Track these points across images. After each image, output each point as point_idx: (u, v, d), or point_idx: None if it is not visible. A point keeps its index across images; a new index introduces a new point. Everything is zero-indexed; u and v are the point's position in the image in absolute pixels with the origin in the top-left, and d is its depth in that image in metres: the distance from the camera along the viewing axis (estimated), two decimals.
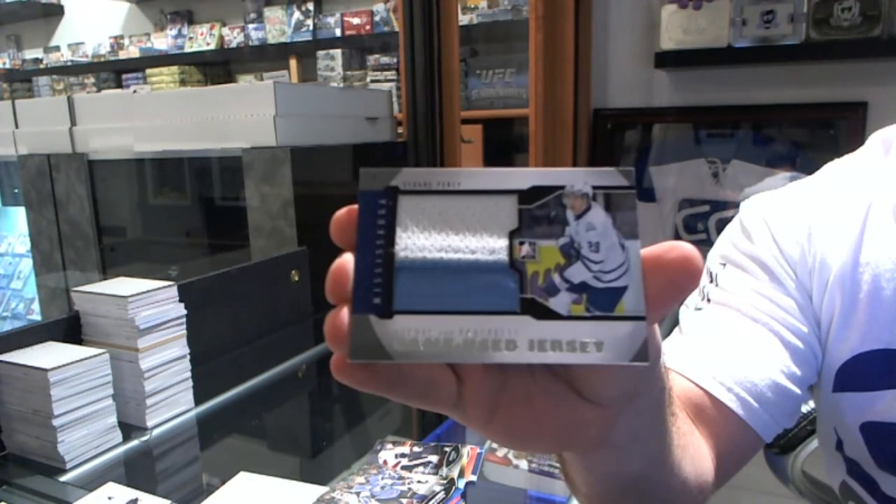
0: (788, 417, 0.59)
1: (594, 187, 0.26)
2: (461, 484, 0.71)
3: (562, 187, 0.26)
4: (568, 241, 0.25)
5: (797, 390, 0.58)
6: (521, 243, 0.25)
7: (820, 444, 0.68)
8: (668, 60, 1.87)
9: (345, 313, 0.24)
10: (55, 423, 0.77)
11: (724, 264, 0.63)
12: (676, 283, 0.25)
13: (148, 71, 3.80)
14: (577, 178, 0.26)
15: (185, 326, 0.94)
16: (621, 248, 0.25)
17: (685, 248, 0.25)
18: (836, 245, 0.59)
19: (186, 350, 0.94)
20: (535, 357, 0.24)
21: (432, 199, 0.25)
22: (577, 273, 0.25)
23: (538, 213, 0.25)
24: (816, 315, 0.60)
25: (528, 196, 0.26)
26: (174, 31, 3.71)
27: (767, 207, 0.64)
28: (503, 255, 0.25)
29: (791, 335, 0.59)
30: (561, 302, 0.24)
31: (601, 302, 0.24)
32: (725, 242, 0.65)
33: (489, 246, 0.25)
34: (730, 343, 0.59)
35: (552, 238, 0.25)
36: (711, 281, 0.63)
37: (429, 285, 0.25)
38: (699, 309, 0.62)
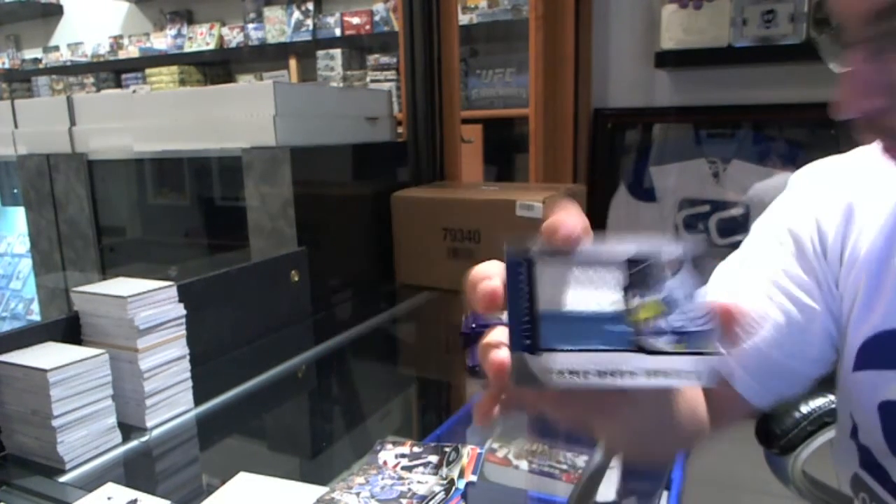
0: (785, 387, 0.64)
1: (683, 253, 0.34)
2: (461, 484, 0.71)
3: (659, 253, 0.34)
4: (668, 294, 0.33)
5: (794, 363, 0.63)
6: (633, 297, 0.33)
7: (836, 434, 0.69)
8: (669, 60, 1.87)
9: (505, 352, 0.33)
10: (55, 423, 0.77)
11: (765, 232, 0.67)
12: (739, 334, 0.34)
13: (147, 71, 3.80)
14: (667, 245, 0.34)
15: (184, 326, 0.94)
16: (705, 299, 0.33)
17: (743, 308, 0.34)
18: (872, 226, 0.60)
19: (186, 350, 0.94)
20: (651, 383, 0.32)
21: (560, 265, 0.34)
22: (677, 319, 0.33)
23: (643, 273, 0.34)
24: (837, 296, 0.62)
25: (633, 261, 0.34)
26: (174, 31, 3.71)
27: (815, 182, 0.66)
28: (620, 306, 0.33)
29: (800, 314, 0.62)
30: (666, 342, 0.33)
31: (696, 342, 0.33)
32: (774, 209, 0.68)
33: (608, 299, 0.33)
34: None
35: (655, 292, 0.33)
36: (749, 244, 0.68)
37: (565, 330, 0.33)
38: (729, 268, 0.67)
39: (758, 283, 0.64)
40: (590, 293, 0.33)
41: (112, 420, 0.85)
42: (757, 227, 0.69)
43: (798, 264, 0.63)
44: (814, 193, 0.66)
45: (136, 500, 0.66)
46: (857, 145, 0.65)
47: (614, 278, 0.34)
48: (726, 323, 0.34)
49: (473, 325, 1.19)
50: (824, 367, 0.65)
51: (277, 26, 3.38)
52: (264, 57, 3.54)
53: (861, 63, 0.48)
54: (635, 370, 0.32)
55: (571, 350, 0.32)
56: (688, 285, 0.34)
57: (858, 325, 0.60)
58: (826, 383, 1.01)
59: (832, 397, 0.98)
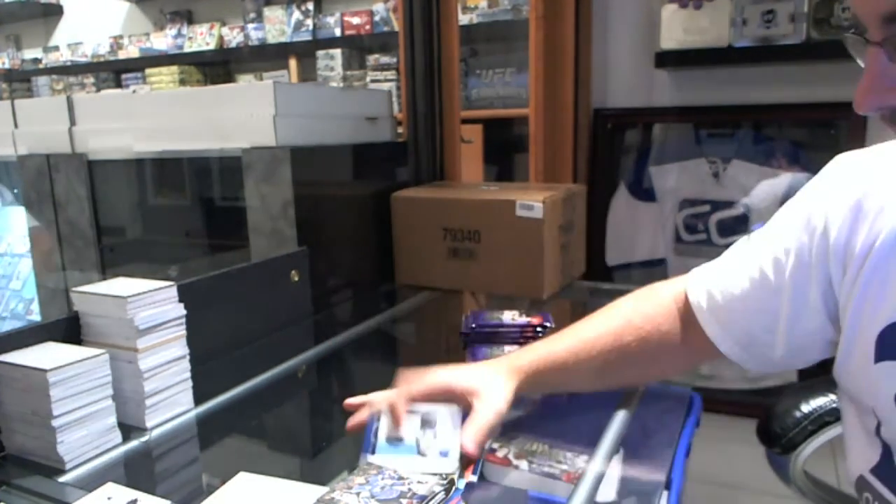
0: (746, 342, 0.75)
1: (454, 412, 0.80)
2: (461, 484, 0.71)
3: (438, 410, 0.81)
4: (435, 426, 0.78)
5: (770, 337, 0.72)
6: (424, 430, 0.77)
7: (848, 432, 0.71)
8: (669, 60, 1.87)
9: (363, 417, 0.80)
10: (54, 423, 0.77)
11: (785, 213, 0.73)
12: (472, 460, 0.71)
13: (147, 71, 3.80)
14: (445, 408, 0.80)
15: (184, 326, 0.94)
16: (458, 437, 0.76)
17: (474, 451, 0.72)
18: (885, 217, 0.62)
19: (186, 350, 0.94)
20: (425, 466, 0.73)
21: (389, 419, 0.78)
22: (439, 440, 0.76)
23: (430, 418, 0.79)
24: (838, 289, 0.66)
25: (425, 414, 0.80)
26: (174, 31, 3.71)
27: (833, 174, 0.70)
28: (415, 436, 0.76)
29: (796, 296, 0.69)
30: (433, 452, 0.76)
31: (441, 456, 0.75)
32: (800, 194, 0.73)
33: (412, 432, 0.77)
34: (736, 280, 0.75)
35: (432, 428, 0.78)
36: (767, 221, 0.76)
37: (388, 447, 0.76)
38: (745, 239, 0.78)
39: (763, 258, 0.72)
40: (405, 428, 0.76)
41: (112, 420, 0.85)
42: (784, 207, 0.75)
43: (795, 246, 0.69)
44: (827, 186, 0.69)
45: (136, 500, 0.66)
46: (856, 145, 0.66)
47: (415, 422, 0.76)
48: (465, 452, 0.71)
49: (473, 325, 1.19)
50: (785, 346, 0.73)
51: (277, 26, 3.38)
52: (264, 57, 3.54)
53: (881, 60, 0.51)
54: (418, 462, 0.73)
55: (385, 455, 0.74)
56: (450, 425, 0.75)
57: (874, 316, 0.61)
58: (825, 383, 1.01)
59: (833, 396, 0.98)
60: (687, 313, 0.80)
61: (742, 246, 0.77)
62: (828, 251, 0.66)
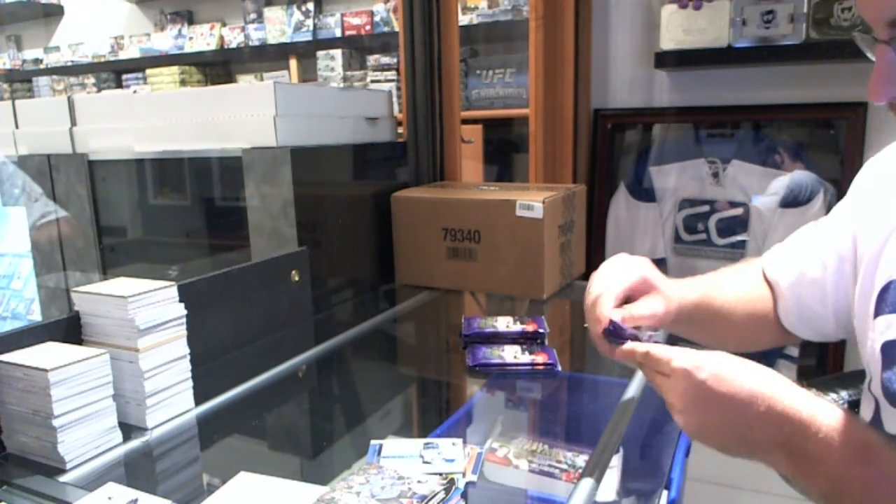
0: (815, 322, 0.84)
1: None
2: (461, 484, 0.71)
3: None
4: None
5: (823, 309, 0.82)
6: None
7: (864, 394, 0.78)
8: (668, 60, 1.87)
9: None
10: (55, 423, 0.77)
11: (844, 200, 0.84)
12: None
13: (148, 71, 3.80)
14: None
15: (185, 326, 0.94)
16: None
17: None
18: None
19: (186, 350, 0.94)
20: None
21: None
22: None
23: None
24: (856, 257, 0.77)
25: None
26: (174, 32, 3.71)
27: (869, 166, 0.81)
28: None
29: (837, 268, 0.80)
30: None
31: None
32: (855, 180, 0.83)
33: None
34: (804, 258, 0.85)
35: None
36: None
37: None
38: (812, 224, 0.88)
39: (825, 237, 0.84)
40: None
41: (113, 420, 0.85)
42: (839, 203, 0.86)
43: (847, 227, 0.80)
44: (865, 170, 0.80)
45: (136, 500, 0.66)
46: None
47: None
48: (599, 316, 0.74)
49: (468, 334, 1.19)
50: (834, 318, 0.82)
51: (278, 27, 3.39)
52: (265, 57, 3.54)
53: (889, 56, 0.58)
54: None
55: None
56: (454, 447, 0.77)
57: (873, 276, 0.71)
58: (827, 382, 1.01)
59: (834, 395, 0.99)
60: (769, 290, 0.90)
61: (808, 229, 0.89)
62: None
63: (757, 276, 0.92)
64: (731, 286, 0.89)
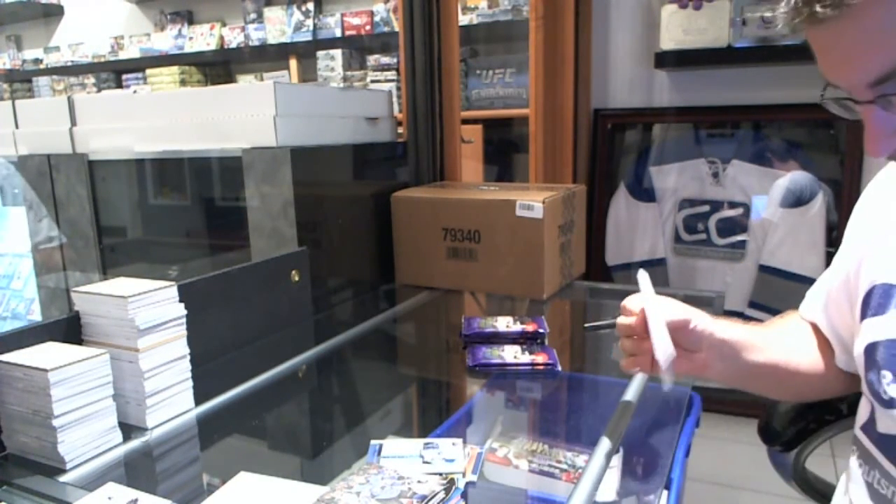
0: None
1: None
2: (461, 484, 0.71)
3: None
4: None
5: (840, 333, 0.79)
6: None
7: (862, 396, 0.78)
8: (668, 60, 1.87)
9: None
10: (55, 423, 0.77)
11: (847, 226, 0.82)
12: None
13: (148, 71, 3.80)
14: None
15: (185, 326, 0.94)
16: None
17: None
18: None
19: (186, 350, 0.95)
20: None
21: None
22: None
23: None
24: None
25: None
26: (174, 32, 3.71)
27: (873, 182, 0.80)
28: None
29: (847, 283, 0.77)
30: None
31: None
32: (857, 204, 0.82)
33: None
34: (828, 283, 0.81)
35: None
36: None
37: None
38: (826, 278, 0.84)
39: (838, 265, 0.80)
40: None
41: (113, 420, 0.85)
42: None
43: (856, 245, 0.77)
44: (861, 199, 0.80)
45: (136, 500, 0.66)
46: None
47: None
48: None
49: (468, 334, 1.19)
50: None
51: (278, 27, 3.39)
52: (265, 57, 3.54)
53: (878, 114, 0.58)
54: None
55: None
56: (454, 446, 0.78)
57: (857, 281, 0.71)
58: None
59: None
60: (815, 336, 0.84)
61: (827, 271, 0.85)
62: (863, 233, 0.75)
63: (795, 321, 0.87)
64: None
